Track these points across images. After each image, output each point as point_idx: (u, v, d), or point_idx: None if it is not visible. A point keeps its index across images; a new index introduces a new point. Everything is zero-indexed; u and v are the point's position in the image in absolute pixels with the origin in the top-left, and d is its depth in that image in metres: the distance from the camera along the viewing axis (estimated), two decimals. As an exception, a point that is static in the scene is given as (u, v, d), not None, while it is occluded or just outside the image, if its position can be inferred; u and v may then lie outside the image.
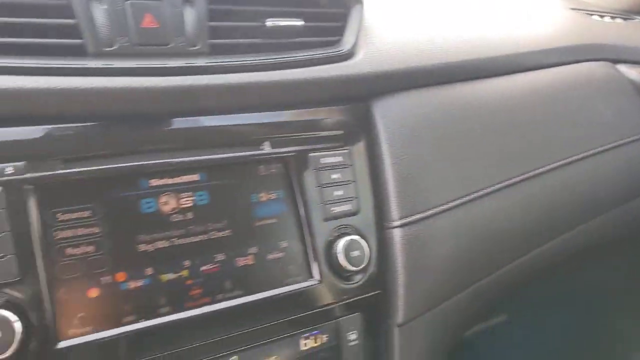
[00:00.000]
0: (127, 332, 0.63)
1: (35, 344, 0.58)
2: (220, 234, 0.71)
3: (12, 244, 0.59)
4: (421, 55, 0.89)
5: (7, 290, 0.58)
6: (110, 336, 0.62)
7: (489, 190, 0.91)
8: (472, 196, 0.89)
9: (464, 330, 1.04)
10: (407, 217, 0.82)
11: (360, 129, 0.82)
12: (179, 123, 0.70)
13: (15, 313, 0.57)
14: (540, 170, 0.98)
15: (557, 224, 1.05)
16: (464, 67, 0.93)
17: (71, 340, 0.61)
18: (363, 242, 0.77)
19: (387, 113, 0.85)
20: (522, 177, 0.95)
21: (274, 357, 0.72)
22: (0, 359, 0.56)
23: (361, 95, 0.84)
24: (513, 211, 0.95)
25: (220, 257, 0.70)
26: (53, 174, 0.62)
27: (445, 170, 0.88)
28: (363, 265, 0.77)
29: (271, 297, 0.72)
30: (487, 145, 0.92)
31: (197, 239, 0.69)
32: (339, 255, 0.75)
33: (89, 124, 0.65)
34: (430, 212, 0.84)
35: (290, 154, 0.76)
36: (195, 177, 0.71)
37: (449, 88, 0.92)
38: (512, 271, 0.98)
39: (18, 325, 0.56)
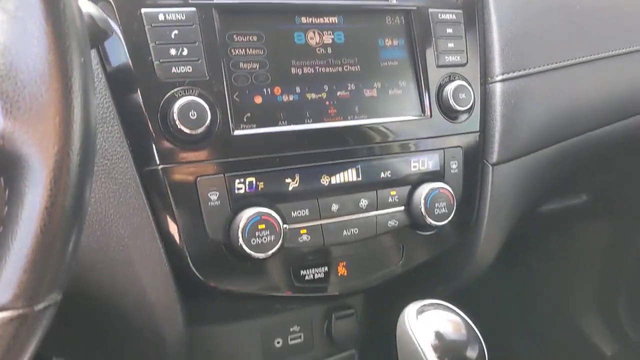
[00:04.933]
0: (281, 131, 0.82)
1: (217, 129, 0.77)
2: (352, 68, 0.87)
3: (202, 51, 0.77)
4: None
5: (200, 86, 0.77)
6: (269, 132, 0.81)
7: (583, 59, 1.01)
8: (567, 63, 1.00)
9: (546, 191, 1.16)
10: (508, 72, 0.95)
11: (472, -5, 0.95)
12: None
13: (206, 103, 0.76)
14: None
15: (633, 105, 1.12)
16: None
17: (242, 130, 0.79)
18: (469, 87, 0.91)
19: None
20: (618, 52, 1.05)
21: (388, 172, 0.89)
22: (194, 133, 0.75)
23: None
24: (598, 84, 1.04)
25: (351, 86, 0.87)
26: (233, 2, 0.80)
27: (545, 39, 0.99)
28: (468, 106, 0.91)
29: (389, 122, 0.88)
30: (587, 18, 1.02)
31: (335, 70, 0.86)
32: (449, 95, 0.89)
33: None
34: (527, 71, 0.97)
35: (413, 8, 0.90)
36: (334, 19, 0.87)
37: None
38: (584, 144, 1.07)
39: (208, 111, 0.75)
